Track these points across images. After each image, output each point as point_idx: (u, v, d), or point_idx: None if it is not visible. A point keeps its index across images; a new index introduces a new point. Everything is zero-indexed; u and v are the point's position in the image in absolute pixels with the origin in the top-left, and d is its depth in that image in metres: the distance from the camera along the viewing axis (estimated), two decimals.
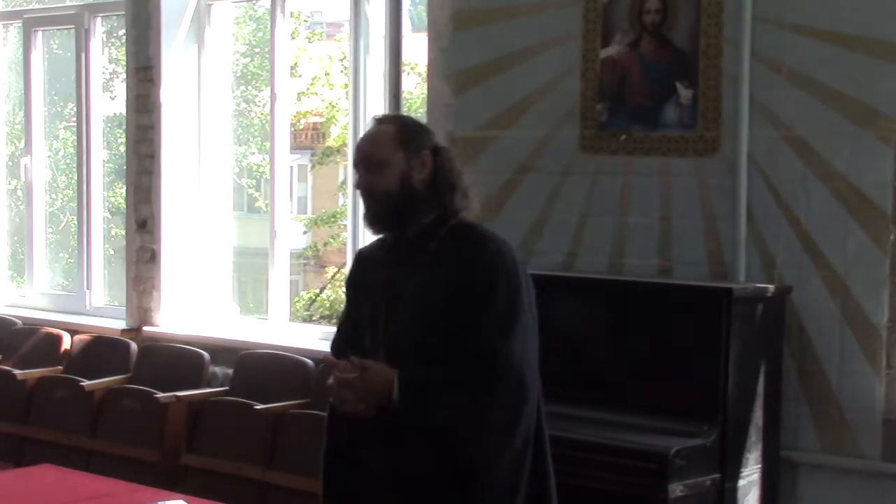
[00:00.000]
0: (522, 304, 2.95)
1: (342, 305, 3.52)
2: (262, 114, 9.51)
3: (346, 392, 2.92)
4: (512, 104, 5.00)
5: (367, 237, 5.76)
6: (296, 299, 11.38)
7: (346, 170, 7.21)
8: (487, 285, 2.92)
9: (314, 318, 10.93)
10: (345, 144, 8.97)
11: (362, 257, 3.26)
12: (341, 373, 2.92)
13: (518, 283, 2.96)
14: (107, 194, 7.38)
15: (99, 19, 7.06)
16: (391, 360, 2.96)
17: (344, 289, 3.38)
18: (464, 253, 2.98)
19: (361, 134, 5.86)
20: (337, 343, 3.22)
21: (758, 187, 4.43)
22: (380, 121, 3.13)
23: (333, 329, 3.50)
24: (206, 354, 6.00)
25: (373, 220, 3.06)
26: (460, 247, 3.00)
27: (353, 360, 2.91)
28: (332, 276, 11.92)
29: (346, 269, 5.98)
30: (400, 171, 3.00)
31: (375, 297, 3.06)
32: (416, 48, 7.53)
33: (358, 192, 3.11)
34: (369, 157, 3.03)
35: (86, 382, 6.10)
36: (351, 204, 5.91)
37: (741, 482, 4.14)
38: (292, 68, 9.18)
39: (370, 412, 2.92)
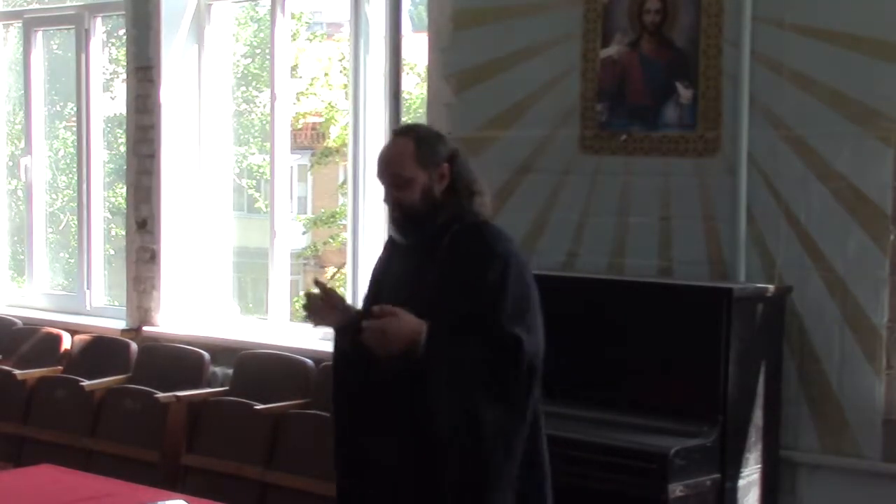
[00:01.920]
0: (535, 300, 3.19)
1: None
2: (262, 114, 9.52)
3: (378, 334, 3.07)
4: (512, 104, 5.00)
5: (367, 237, 5.79)
6: (296, 299, 11.38)
7: (345, 170, 7.20)
8: (500, 278, 3.12)
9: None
10: (344, 144, 8.97)
11: (393, 245, 3.44)
12: (375, 316, 3.09)
13: (528, 280, 3.19)
14: (107, 194, 7.38)
15: (99, 19, 7.05)
16: None
17: (368, 274, 3.57)
18: (475, 248, 3.18)
19: (361, 135, 5.90)
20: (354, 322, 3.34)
21: (758, 187, 4.43)
22: (398, 133, 3.38)
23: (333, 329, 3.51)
24: (206, 354, 6.00)
25: (399, 229, 3.32)
26: (472, 243, 3.19)
27: (383, 308, 3.10)
28: (332, 276, 11.92)
29: (346, 269, 5.99)
30: (423, 186, 3.26)
31: (397, 288, 3.28)
32: (417, 48, 7.54)
33: (385, 203, 3.35)
34: (395, 176, 3.27)
35: (86, 382, 6.10)
36: (351, 204, 5.91)
37: (741, 482, 4.14)
38: (292, 69, 9.18)
39: (398, 353, 3.08)
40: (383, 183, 3.32)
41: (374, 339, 3.08)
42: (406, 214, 3.26)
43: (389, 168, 3.30)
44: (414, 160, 3.26)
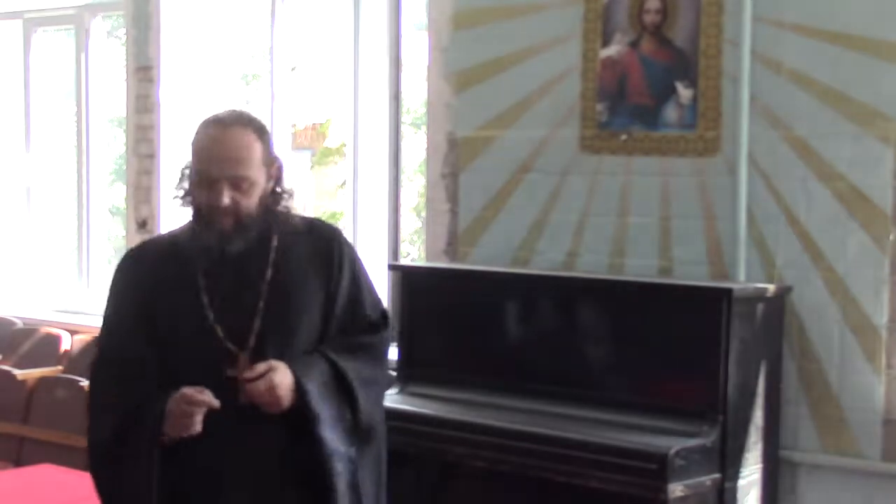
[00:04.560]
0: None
1: None
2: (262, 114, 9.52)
3: (270, 392, 2.78)
4: (512, 104, 5.00)
5: (367, 236, 5.79)
6: None
7: (345, 170, 7.21)
8: (351, 274, 2.95)
9: None
10: (344, 145, 8.97)
11: (176, 251, 3.01)
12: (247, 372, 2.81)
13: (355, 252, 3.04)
14: (107, 194, 7.38)
15: (99, 19, 7.06)
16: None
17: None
18: (322, 250, 2.94)
19: (359, 134, 5.90)
20: None
21: (758, 187, 4.43)
22: (235, 123, 2.81)
23: None
24: None
25: (222, 238, 2.81)
26: (315, 244, 2.95)
27: (258, 367, 2.79)
28: None
29: None
30: (262, 190, 2.83)
31: (235, 300, 2.93)
32: (417, 48, 7.52)
33: (207, 206, 2.80)
34: (239, 179, 2.76)
35: (86, 382, 6.09)
36: (351, 204, 5.91)
37: (741, 482, 4.14)
38: (292, 69, 9.17)
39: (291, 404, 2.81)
40: (216, 182, 2.74)
41: (267, 398, 2.76)
42: (239, 223, 2.77)
43: (232, 168, 2.74)
44: (260, 159, 2.79)
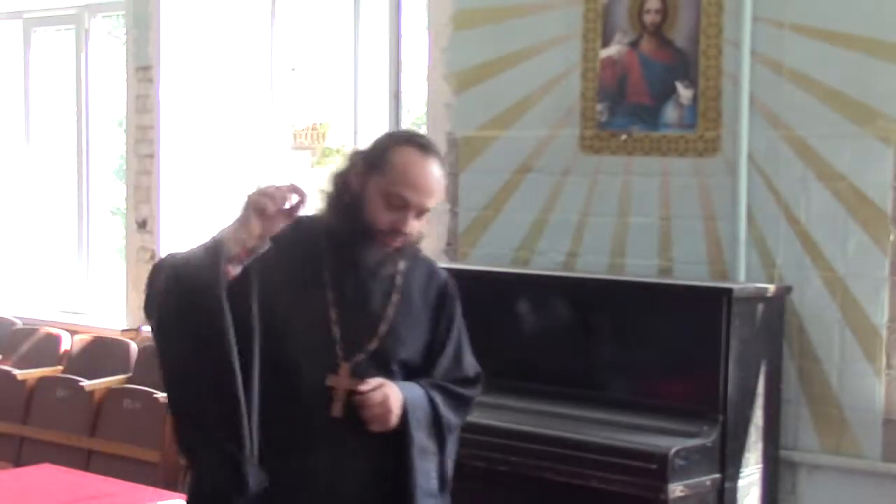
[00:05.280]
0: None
1: None
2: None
3: (384, 410, 2.72)
4: (512, 104, 5.00)
5: None
6: None
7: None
8: (456, 322, 2.96)
9: None
10: (344, 144, 8.96)
11: (325, 251, 2.96)
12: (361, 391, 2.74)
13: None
14: (107, 194, 7.38)
15: (99, 19, 7.06)
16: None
17: None
18: (438, 288, 2.93)
19: (360, 134, 5.90)
20: None
21: (758, 187, 4.43)
22: (436, 155, 2.78)
23: None
24: None
25: (383, 259, 2.78)
26: (435, 283, 2.93)
27: (370, 381, 2.73)
28: None
29: None
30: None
31: (361, 314, 2.88)
32: (417, 48, 7.52)
33: (387, 231, 2.73)
34: (426, 210, 2.74)
35: (86, 382, 6.10)
36: None
37: (741, 482, 4.14)
38: (292, 69, 9.17)
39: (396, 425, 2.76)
40: (406, 208, 2.71)
41: (377, 411, 2.71)
42: (403, 247, 2.76)
43: (428, 200, 2.73)
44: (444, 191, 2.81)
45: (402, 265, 2.82)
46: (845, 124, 4.25)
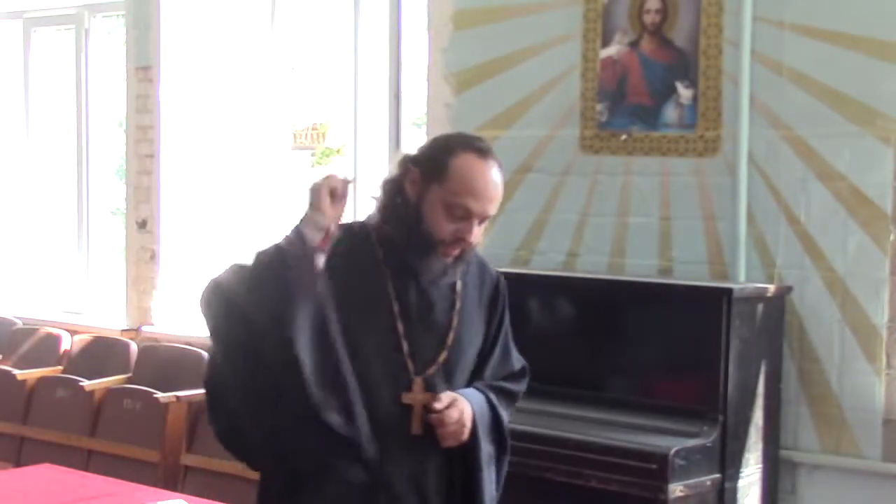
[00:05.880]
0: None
1: None
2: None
3: (459, 427, 2.70)
4: (512, 104, 5.00)
5: None
6: None
7: (345, 170, 7.20)
8: (505, 321, 2.95)
9: None
10: (344, 144, 8.97)
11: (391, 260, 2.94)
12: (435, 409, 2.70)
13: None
14: (107, 194, 7.38)
15: (99, 19, 7.06)
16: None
17: None
18: (491, 291, 2.91)
19: (360, 134, 5.90)
20: None
21: (758, 187, 4.43)
22: (496, 159, 2.67)
23: None
24: (206, 354, 5.99)
25: (442, 269, 2.70)
26: (491, 286, 2.92)
27: (441, 397, 2.69)
28: None
29: None
30: None
31: (426, 328, 2.83)
32: (417, 48, 7.52)
33: (450, 240, 2.65)
34: (488, 216, 2.66)
35: (86, 382, 6.10)
36: (351, 203, 5.90)
37: (741, 482, 4.14)
38: (292, 69, 9.17)
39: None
40: (469, 217, 2.62)
41: (455, 428, 2.68)
42: (464, 255, 2.68)
43: (490, 208, 2.63)
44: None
45: (460, 272, 2.74)
46: (845, 124, 4.25)
